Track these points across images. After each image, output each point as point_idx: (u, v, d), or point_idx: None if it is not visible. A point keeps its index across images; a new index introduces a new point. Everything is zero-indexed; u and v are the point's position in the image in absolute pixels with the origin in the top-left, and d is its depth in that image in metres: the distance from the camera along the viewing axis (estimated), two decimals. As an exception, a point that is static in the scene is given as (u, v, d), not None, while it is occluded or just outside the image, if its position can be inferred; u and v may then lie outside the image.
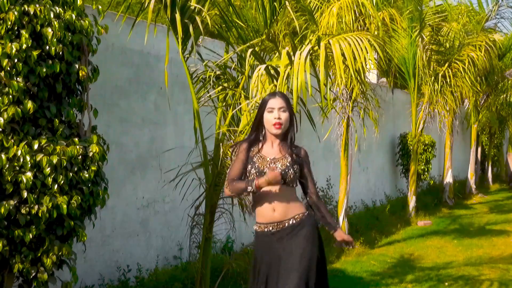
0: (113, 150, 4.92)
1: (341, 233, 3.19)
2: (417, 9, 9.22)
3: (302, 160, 3.14)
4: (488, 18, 12.51)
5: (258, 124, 3.17)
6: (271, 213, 3.04)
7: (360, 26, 6.71)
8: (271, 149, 3.13)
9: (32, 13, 3.38)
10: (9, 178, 3.23)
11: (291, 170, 3.05)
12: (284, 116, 3.08)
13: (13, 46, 3.27)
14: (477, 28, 11.63)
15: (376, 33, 6.33)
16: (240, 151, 3.14)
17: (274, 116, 3.06)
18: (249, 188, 2.95)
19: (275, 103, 3.08)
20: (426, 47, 9.97)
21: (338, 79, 6.32)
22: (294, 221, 3.03)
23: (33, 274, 3.40)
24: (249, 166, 3.09)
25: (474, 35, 11.13)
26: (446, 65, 10.51)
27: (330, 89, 6.60)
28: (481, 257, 7.34)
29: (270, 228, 3.05)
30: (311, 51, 4.04)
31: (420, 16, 9.36)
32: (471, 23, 11.81)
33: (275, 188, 2.99)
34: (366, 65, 4.02)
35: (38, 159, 3.29)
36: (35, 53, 3.35)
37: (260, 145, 3.15)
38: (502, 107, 15.20)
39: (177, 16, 4.13)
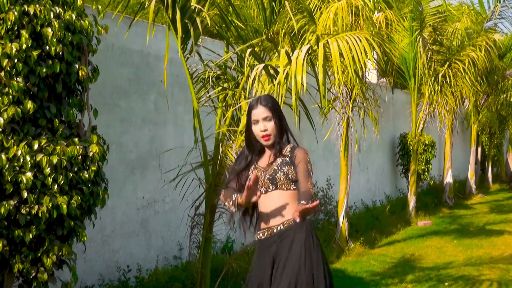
0: (113, 150, 4.92)
1: (301, 206, 2.78)
2: (417, 9, 9.21)
3: (296, 159, 2.96)
4: (489, 18, 12.50)
5: (250, 135, 3.06)
6: (265, 218, 2.99)
7: (359, 27, 6.71)
8: (266, 157, 3.06)
9: (32, 13, 3.39)
10: (9, 178, 3.24)
11: (280, 172, 2.92)
12: (270, 125, 2.98)
13: (13, 46, 3.27)
14: (478, 29, 11.63)
15: (374, 32, 6.33)
16: (239, 161, 3.10)
17: (260, 129, 2.98)
18: (232, 209, 2.97)
19: (258, 114, 2.99)
20: (426, 47, 9.96)
21: (337, 79, 6.32)
22: (282, 227, 2.92)
23: (33, 274, 3.40)
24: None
25: (475, 35, 11.13)
26: (446, 65, 10.51)
27: (329, 89, 6.60)
28: (481, 257, 7.34)
29: (260, 235, 3.01)
30: (310, 51, 4.03)
31: (420, 16, 9.36)
32: (473, 24, 11.79)
33: (256, 197, 2.86)
34: (365, 65, 4.00)
35: (38, 159, 3.30)
36: (35, 53, 3.35)
37: (260, 154, 3.09)
38: (502, 107, 15.21)
39: (178, 16, 4.14)
